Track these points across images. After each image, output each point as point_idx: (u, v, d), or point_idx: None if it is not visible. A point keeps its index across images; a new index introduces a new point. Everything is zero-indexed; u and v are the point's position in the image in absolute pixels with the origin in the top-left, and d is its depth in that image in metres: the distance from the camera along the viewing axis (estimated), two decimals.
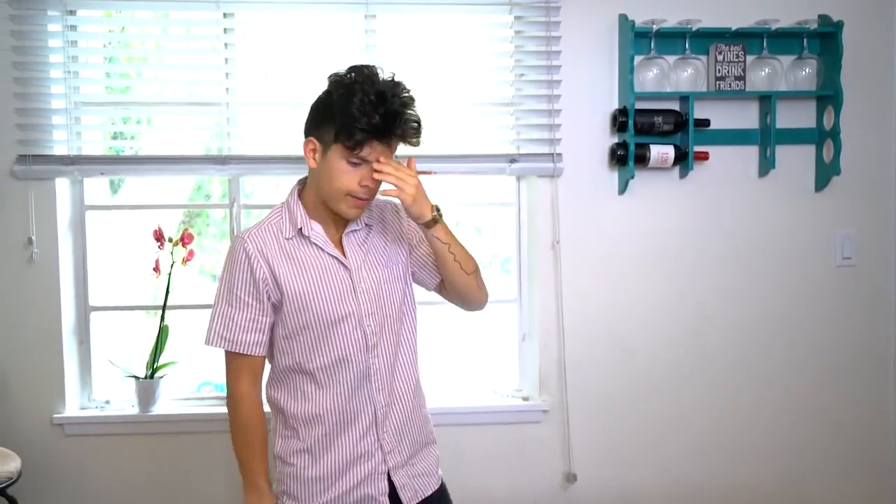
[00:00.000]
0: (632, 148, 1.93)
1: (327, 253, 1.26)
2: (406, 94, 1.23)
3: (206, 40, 1.93)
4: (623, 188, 1.99)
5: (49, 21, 1.88)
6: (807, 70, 1.99)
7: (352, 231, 1.30)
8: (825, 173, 2.01)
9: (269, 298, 1.25)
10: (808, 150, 2.03)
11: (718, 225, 2.03)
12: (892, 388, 2.09)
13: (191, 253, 1.93)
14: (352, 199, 1.22)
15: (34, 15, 1.86)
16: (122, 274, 2.06)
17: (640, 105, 1.95)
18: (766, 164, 2.00)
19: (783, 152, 2.00)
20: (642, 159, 1.95)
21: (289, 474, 1.30)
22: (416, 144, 1.25)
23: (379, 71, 1.23)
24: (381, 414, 1.29)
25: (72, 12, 1.89)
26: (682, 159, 1.96)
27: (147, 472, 1.96)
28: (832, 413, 2.06)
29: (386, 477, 1.31)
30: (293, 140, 1.96)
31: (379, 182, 1.23)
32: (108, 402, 2.00)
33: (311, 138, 1.24)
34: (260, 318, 1.26)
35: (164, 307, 1.93)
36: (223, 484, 1.96)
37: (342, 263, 1.27)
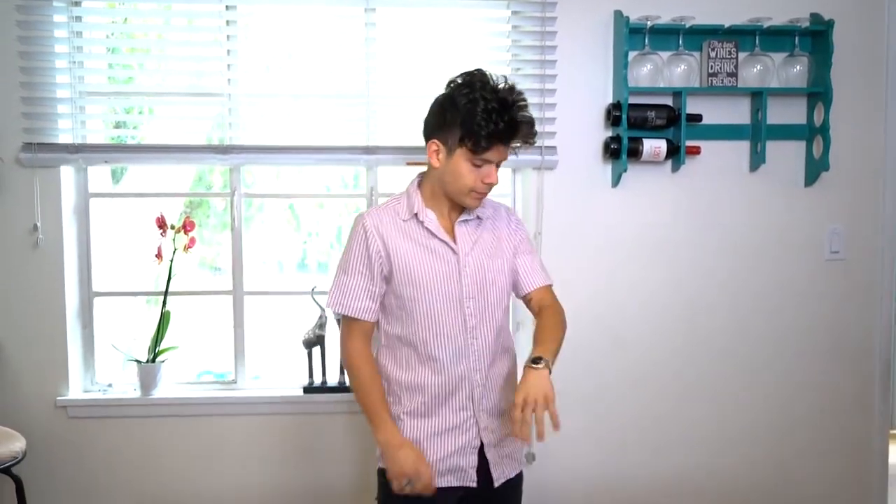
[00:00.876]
0: (625, 142, 1.97)
1: (437, 237, 1.39)
2: (522, 100, 1.35)
3: (208, 32, 1.97)
4: (616, 181, 2.03)
5: (55, 12, 1.91)
6: (798, 67, 2.03)
7: (464, 220, 1.42)
8: (814, 169, 2.05)
9: (381, 271, 1.38)
10: (799, 146, 2.07)
11: (709, 218, 2.07)
12: (878, 379, 2.13)
13: (192, 240, 1.97)
14: (475, 193, 1.36)
15: (40, 6, 1.90)
16: (124, 260, 2.11)
17: (633, 100, 1.99)
18: (757, 159, 2.04)
19: (774, 148, 2.05)
20: (635, 153, 1.99)
21: None
22: (533, 143, 1.40)
23: (491, 76, 1.34)
24: (477, 393, 1.39)
25: (76, 3, 1.93)
26: (675, 153, 2.00)
27: (148, 454, 2.00)
28: (819, 401, 2.11)
29: (477, 452, 1.41)
30: (294, 130, 2.01)
31: (497, 177, 1.36)
32: (110, 386, 2.05)
33: (436, 140, 1.36)
34: (371, 287, 1.39)
35: (165, 293, 1.97)
36: (221, 466, 2.01)
37: (451, 248, 1.39)
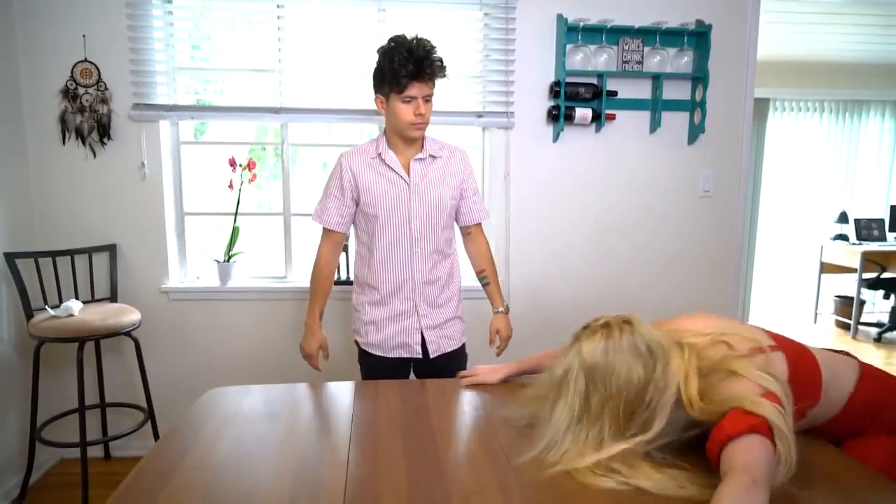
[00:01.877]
0: (562, 109, 2.69)
1: (394, 171, 1.71)
2: (427, 44, 1.63)
3: (264, 24, 2.60)
4: (556, 138, 2.76)
5: (153, 7, 2.54)
6: (686, 58, 2.76)
7: (419, 159, 1.71)
8: (694, 132, 2.82)
9: (351, 195, 1.73)
10: (684, 116, 2.82)
11: (620, 167, 2.84)
12: (732, 284, 2.98)
13: (254, 175, 2.69)
14: (413, 125, 1.67)
15: (142, 2, 2.52)
16: (208, 190, 2.74)
17: (569, 79, 2.68)
18: (655, 124, 2.79)
19: (667, 116, 2.80)
20: (570, 118, 2.70)
21: (358, 318, 1.79)
22: (444, 76, 1.69)
23: (405, 36, 1.65)
24: (418, 289, 1.72)
25: (169, 1, 2.58)
26: (597, 119, 2.73)
27: (223, 326, 2.71)
28: (694, 299, 2.91)
29: (419, 333, 1.74)
30: (326, 96, 2.64)
31: (429, 108, 1.66)
32: (198, 278, 2.76)
33: (378, 95, 1.68)
34: (342, 207, 1.74)
35: (235, 213, 2.69)
36: (277, 335, 2.74)
37: (403, 179, 1.70)
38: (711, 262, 2.92)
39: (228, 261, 2.71)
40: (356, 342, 1.80)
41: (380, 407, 1.45)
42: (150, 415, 2.53)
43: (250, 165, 2.66)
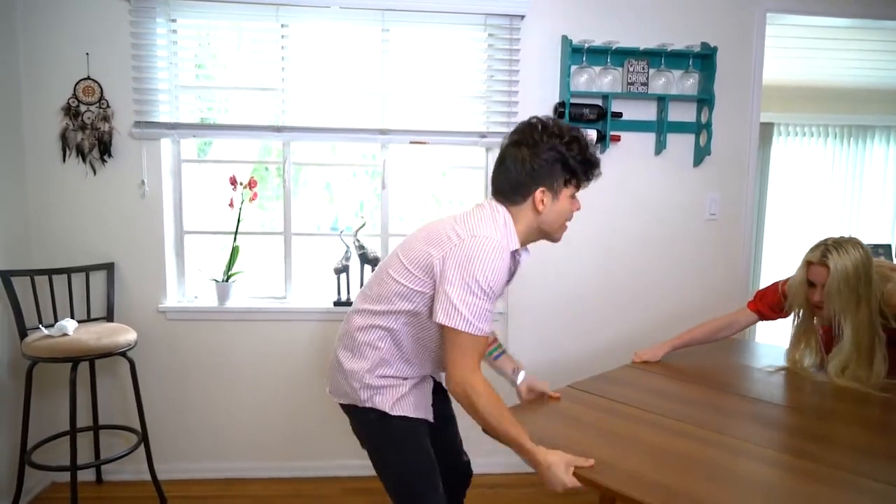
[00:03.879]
0: None
1: (514, 271, 1.56)
2: (588, 143, 1.52)
3: (268, 44, 2.63)
4: None
5: (157, 26, 2.57)
6: (691, 80, 2.79)
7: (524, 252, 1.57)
8: (700, 154, 2.84)
9: None
10: (690, 138, 2.84)
11: (626, 188, 2.85)
12: (740, 301, 2.98)
13: (255, 194, 2.70)
14: (567, 223, 1.56)
15: (147, 21, 2.55)
16: (209, 209, 2.75)
17: (574, 100, 2.71)
18: (660, 146, 2.81)
19: (672, 138, 2.82)
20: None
21: (380, 393, 1.53)
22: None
23: (559, 123, 1.52)
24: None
25: (174, 20, 2.61)
26: (602, 140, 2.75)
27: (221, 347, 2.71)
28: (700, 322, 2.91)
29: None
30: (329, 116, 2.65)
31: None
32: (196, 297, 2.76)
33: (543, 188, 1.48)
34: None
35: (235, 232, 2.70)
36: (276, 356, 2.73)
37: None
38: (717, 286, 2.92)
39: (227, 280, 2.71)
40: (366, 408, 1.55)
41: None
42: (144, 438, 2.50)
43: (251, 184, 2.67)
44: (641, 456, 1.44)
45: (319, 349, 2.77)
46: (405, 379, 1.55)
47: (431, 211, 2.95)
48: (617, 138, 2.76)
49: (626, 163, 2.82)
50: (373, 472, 2.78)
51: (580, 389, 1.87)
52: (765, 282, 5.03)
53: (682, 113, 2.82)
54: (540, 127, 1.51)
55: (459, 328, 1.38)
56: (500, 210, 1.51)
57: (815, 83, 4.94)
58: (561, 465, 1.36)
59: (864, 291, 1.89)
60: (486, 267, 1.39)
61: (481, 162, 2.85)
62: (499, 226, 1.47)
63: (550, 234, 1.56)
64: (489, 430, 1.43)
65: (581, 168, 1.52)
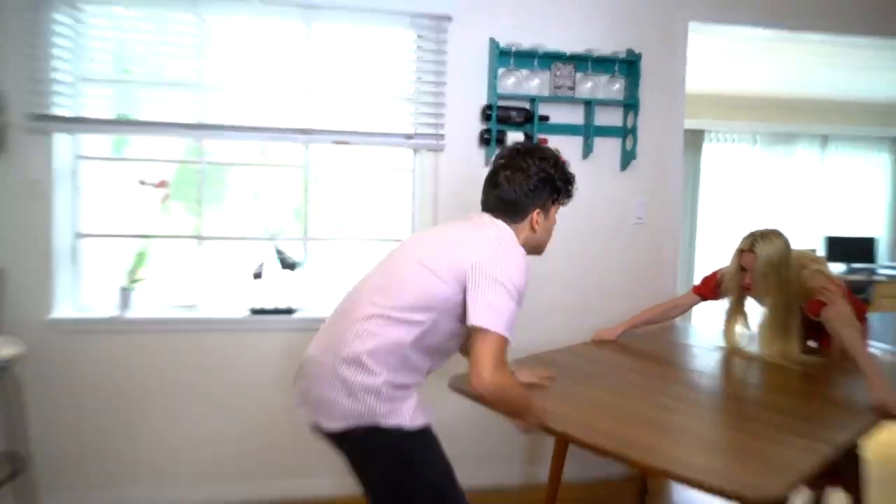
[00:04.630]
0: (494, 133, 2.73)
1: None
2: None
3: (184, 37, 2.53)
4: (488, 162, 2.79)
5: (56, 13, 2.45)
6: (617, 85, 2.87)
7: None
8: (627, 158, 2.92)
9: None
10: (616, 142, 2.92)
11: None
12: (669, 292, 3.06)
13: (166, 195, 2.59)
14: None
15: (44, 8, 2.42)
16: (114, 210, 2.62)
17: (501, 103, 2.74)
18: (587, 150, 2.87)
19: (599, 142, 2.89)
20: (501, 141, 2.74)
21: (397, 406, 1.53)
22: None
23: (548, 149, 1.73)
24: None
25: (78, 9, 2.47)
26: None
27: (122, 361, 2.57)
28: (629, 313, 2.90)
29: None
30: (248, 114, 2.58)
31: None
32: (94, 307, 2.61)
33: (539, 207, 1.67)
34: None
35: (141, 236, 2.57)
36: (183, 371, 2.62)
37: None
38: (646, 289, 3.01)
39: (130, 287, 2.57)
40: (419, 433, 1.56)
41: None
42: (27, 464, 2.32)
43: (161, 185, 2.56)
44: (599, 412, 1.71)
45: (236, 361, 2.67)
46: (415, 386, 1.60)
47: (359, 215, 2.91)
48: (544, 142, 2.81)
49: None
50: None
51: (545, 359, 2.19)
52: (699, 273, 5.22)
53: (608, 117, 2.90)
54: (526, 151, 1.71)
55: (498, 330, 1.48)
56: (504, 226, 1.65)
57: (743, 92, 5.17)
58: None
59: (784, 274, 2.24)
60: (520, 272, 1.53)
61: (410, 164, 2.84)
62: (511, 237, 1.63)
63: (540, 248, 1.75)
64: (512, 412, 1.59)
65: (564, 187, 1.73)
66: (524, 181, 1.66)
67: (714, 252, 5.31)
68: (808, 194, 5.69)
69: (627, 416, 1.70)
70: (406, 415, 1.52)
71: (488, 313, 1.47)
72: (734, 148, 5.47)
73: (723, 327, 2.48)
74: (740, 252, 2.31)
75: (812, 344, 2.41)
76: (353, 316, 1.57)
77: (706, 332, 2.72)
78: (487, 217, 1.68)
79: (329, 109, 2.68)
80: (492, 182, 1.71)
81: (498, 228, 1.63)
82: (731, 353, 2.39)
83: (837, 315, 2.14)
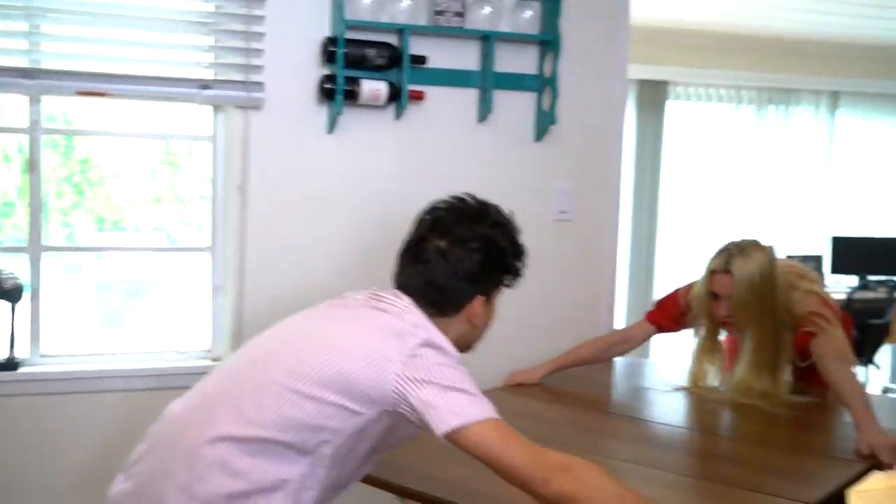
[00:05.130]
0: (341, 81, 2.59)
1: None
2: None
3: None
4: (332, 125, 2.66)
5: None
6: (529, 13, 2.81)
7: None
8: (544, 122, 2.87)
9: None
10: (529, 98, 2.88)
11: (435, 170, 2.79)
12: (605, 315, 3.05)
13: None
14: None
15: None
16: None
17: (352, 35, 2.61)
18: (485, 109, 2.81)
19: (503, 98, 2.83)
20: (353, 95, 2.62)
21: None
22: None
23: (494, 208, 1.84)
24: None
25: None
26: (397, 97, 2.67)
27: None
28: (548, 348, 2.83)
29: None
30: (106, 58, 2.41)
31: None
32: None
33: (483, 295, 1.75)
34: None
35: None
36: None
37: None
38: (574, 315, 2.99)
39: None
40: None
41: None
42: None
43: None
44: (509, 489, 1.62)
45: None
46: None
47: (133, 212, 2.76)
48: (419, 95, 2.73)
49: (434, 133, 2.80)
50: None
51: None
52: (660, 292, 5.34)
53: (516, 60, 2.86)
54: (467, 214, 1.79)
55: (487, 417, 1.54)
56: (429, 321, 1.69)
57: (723, 28, 5.31)
58: None
59: (769, 299, 2.43)
60: (454, 355, 1.64)
61: (208, 129, 2.69)
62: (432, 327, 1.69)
63: (471, 346, 1.83)
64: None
65: (514, 265, 1.80)
66: (467, 258, 1.71)
67: (681, 261, 5.44)
68: (811, 175, 5.95)
69: None
70: None
71: (457, 404, 1.54)
72: (710, 108, 5.63)
73: (689, 365, 2.65)
74: (711, 273, 2.47)
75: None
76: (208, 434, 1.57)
77: (665, 369, 2.90)
78: (403, 302, 1.71)
79: (71, 39, 2.50)
80: (415, 254, 1.76)
81: (416, 321, 1.67)
82: (699, 396, 2.59)
83: (829, 348, 2.37)
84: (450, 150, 2.83)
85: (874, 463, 2.04)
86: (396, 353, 1.57)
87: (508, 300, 2.85)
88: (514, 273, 1.81)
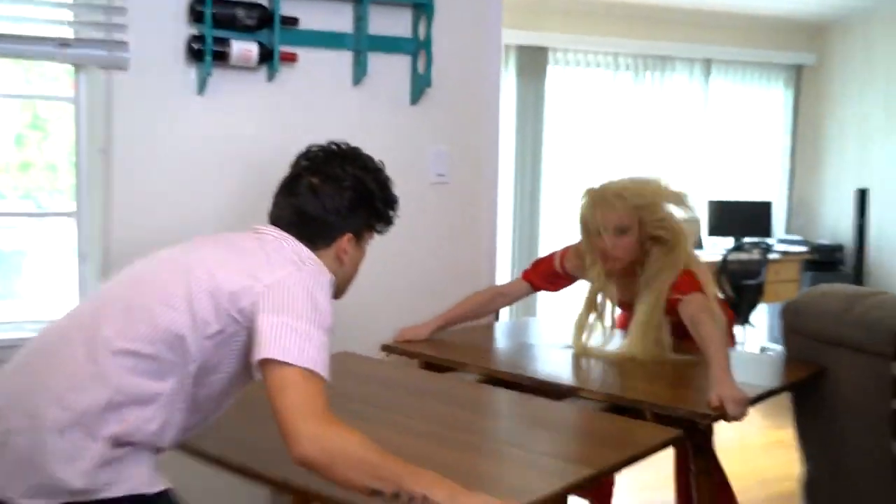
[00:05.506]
0: (209, 41, 2.56)
1: None
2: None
3: None
4: (202, 87, 2.63)
5: None
6: None
7: None
8: (419, 85, 2.92)
9: None
10: (403, 61, 2.92)
11: (310, 134, 2.73)
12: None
13: None
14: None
15: None
16: None
17: None
18: (360, 72, 2.83)
19: (378, 61, 2.86)
20: (223, 56, 2.59)
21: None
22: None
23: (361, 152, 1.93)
24: None
25: None
26: (268, 59, 2.67)
27: None
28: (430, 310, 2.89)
29: None
30: None
31: None
32: None
33: (351, 233, 1.83)
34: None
35: None
36: None
37: None
38: (455, 278, 3.05)
39: None
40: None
41: None
42: None
43: None
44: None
45: None
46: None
47: None
48: (292, 57, 2.74)
49: (308, 96, 2.81)
50: None
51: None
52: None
53: (390, 23, 2.90)
54: (342, 156, 1.90)
55: (307, 366, 1.57)
56: (304, 249, 1.78)
57: None
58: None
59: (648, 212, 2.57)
60: (326, 297, 1.70)
61: (70, 90, 2.63)
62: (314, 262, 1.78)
63: (343, 288, 1.91)
64: (372, 481, 1.53)
65: (385, 211, 1.90)
66: (337, 195, 1.82)
67: (565, 224, 5.55)
68: (687, 140, 6.18)
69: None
70: (143, 477, 1.63)
71: (291, 344, 1.57)
72: (589, 74, 5.77)
73: (574, 325, 2.75)
74: (591, 213, 2.59)
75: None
76: (78, 349, 1.64)
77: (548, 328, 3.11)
78: (278, 232, 1.80)
79: None
80: (290, 189, 1.86)
81: (295, 248, 1.77)
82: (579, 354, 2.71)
83: (693, 307, 2.50)
84: (324, 114, 2.83)
85: (720, 414, 2.13)
86: (268, 274, 1.65)
87: (388, 262, 2.97)
88: (384, 219, 1.91)
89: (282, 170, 2.91)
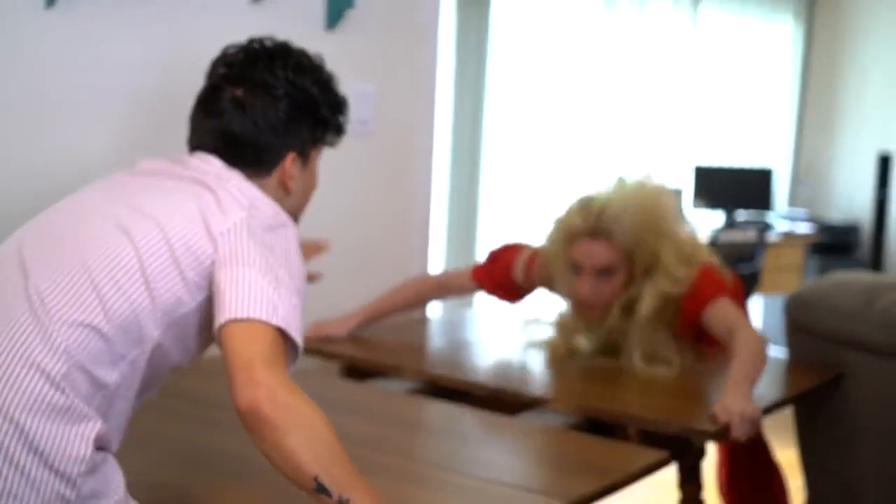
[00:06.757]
0: None
1: None
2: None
3: None
4: (50, 1, 2.60)
5: None
6: None
7: None
8: (338, 5, 2.94)
9: None
10: None
11: (197, 62, 2.73)
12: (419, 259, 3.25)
13: None
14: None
15: None
16: None
17: None
18: None
19: None
20: None
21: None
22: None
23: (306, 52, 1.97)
24: None
25: None
26: None
27: None
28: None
29: None
30: None
31: None
32: None
33: (294, 151, 1.88)
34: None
35: None
36: None
37: None
38: (379, 255, 3.17)
39: None
40: None
41: None
42: None
43: None
44: None
45: None
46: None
47: None
48: None
49: (195, 15, 2.85)
50: None
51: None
52: (485, 215, 5.44)
53: None
54: (269, 57, 1.92)
55: (269, 320, 1.59)
56: (243, 180, 1.81)
57: None
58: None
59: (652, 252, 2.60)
60: (294, 250, 1.78)
61: None
62: (263, 201, 1.81)
63: (300, 210, 2.01)
64: (322, 468, 1.53)
65: (333, 117, 1.96)
66: (269, 107, 1.84)
67: (510, 180, 5.57)
68: (670, 85, 6.22)
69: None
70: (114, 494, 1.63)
71: (253, 296, 1.60)
72: (546, 5, 5.74)
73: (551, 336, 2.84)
74: (570, 238, 2.64)
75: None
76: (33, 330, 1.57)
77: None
78: (216, 163, 1.82)
79: None
80: (209, 107, 1.87)
81: (241, 181, 1.80)
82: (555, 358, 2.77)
83: (734, 311, 2.59)
84: (216, 38, 2.75)
85: (721, 430, 2.15)
86: (218, 225, 1.68)
87: (304, 226, 2.95)
88: (333, 128, 1.98)
89: (167, 107, 2.96)
